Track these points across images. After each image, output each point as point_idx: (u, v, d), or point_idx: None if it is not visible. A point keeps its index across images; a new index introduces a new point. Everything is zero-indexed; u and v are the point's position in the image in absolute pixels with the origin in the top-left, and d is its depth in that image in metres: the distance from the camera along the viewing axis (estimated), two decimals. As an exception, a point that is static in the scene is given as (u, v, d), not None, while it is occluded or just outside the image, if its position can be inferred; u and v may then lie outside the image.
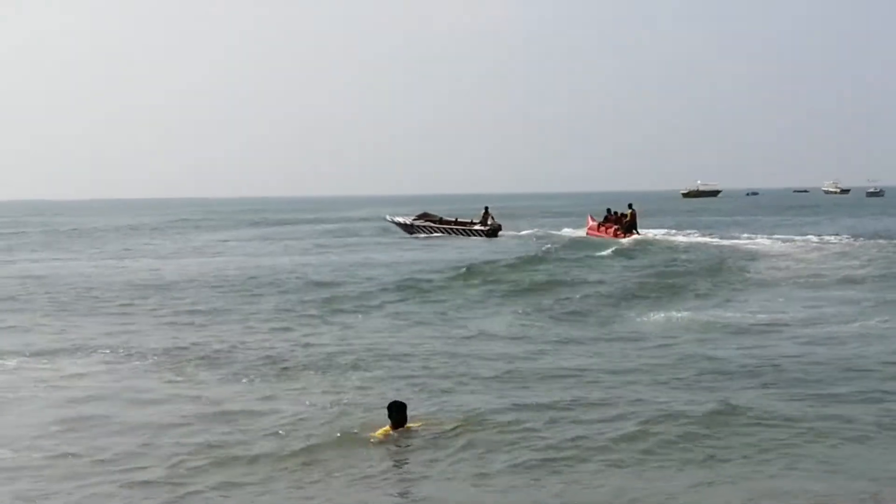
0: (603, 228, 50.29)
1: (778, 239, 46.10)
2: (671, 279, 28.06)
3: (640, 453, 10.28)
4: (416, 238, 53.17)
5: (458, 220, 57.35)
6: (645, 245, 43.49)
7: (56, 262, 40.63)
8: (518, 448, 10.50)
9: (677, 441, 10.63)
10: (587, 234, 51.92)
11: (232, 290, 26.96)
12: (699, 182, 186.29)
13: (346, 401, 12.89)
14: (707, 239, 46.89)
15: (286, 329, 20.03)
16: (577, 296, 24.57)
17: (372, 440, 11.00)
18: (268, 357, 16.44)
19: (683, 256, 36.49)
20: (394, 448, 10.75)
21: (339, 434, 11.25)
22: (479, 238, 52.17)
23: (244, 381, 14.60)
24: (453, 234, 53.97)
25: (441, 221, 57.04)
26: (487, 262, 33.19)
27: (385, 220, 63.11)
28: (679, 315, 20.67)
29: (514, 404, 12.42)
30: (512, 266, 32.52)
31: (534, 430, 11.18)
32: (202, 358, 16.55)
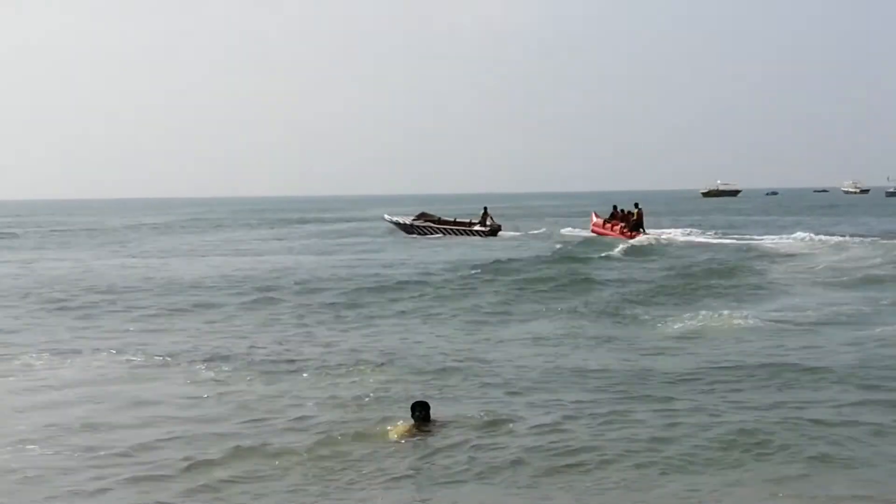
0: (609, 226, 50.22)
1: (797, 238, 45.98)
2: (694, 279, 27.87)
3: (681, 459, 10.07)
4: (420, 238, 52.93)
5: (457, 220, 57.19)
6: (661, 244, 43.43)
7: (76, 261, 40.83)
8: (542, 451, 10.38)
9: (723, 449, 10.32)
10: (592, 231, 51.86)
11: (253, 288, 27.03)
12: (719, 182, 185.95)
13: (367, 399, 12.92)
14: (724, 240, 46.66)
15: (308, 326, 20.15)
16: (605, 294, 24.56)
17: (393, 437, 11.02)
18: (289, 354, 16.54)
19: (703, 256, 36.36)
20: (414, 446, 10.75)
21: (359, 431, 11.27)
22: (480, 238, 52.03)
23: (266, 377, 14.65)
24: (453, 235, 53.81)
25: (440, 221, 56.72)
26: (504, 261, 33.15)
27: (383, 219, 62.69)
28: (711, 315, 20.44)
29: (545, 406, 12.37)
30: (530, 264, 32.48)
31: (565, 432, 11.09)
32: (223, 356, 16.61)
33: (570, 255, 36.91)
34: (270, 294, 25.41)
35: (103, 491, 9.47)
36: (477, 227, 54.24)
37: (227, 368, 15.36)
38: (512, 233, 56.17)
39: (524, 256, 35.96)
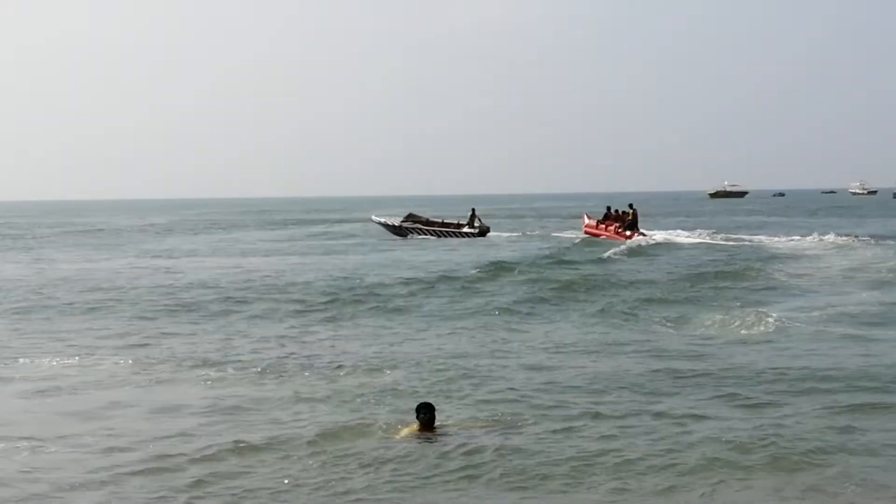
0: (603, 227, 50.22)
1: (806, 239, 45.96)
2: (702, 280, 27.91)
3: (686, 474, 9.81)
4: (409, 239, 52.52)
5: (445, 221, 56.93)
6: (662, 245, 43.48)
7: (93, 261, 40.84)
8: (548, 456, 10.31)
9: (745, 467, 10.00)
10: (585, 232, 51.81)
11: (256, 290, 27.00)
12: (726, 183, 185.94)
13: (373, 401, 12.90)
14: (728, 241, 46.66)
15: (311, 328, 20.17)
16: (611, 295, 24.51)
17: (398, 439, 11.00)
18: (293, 356, 16.57)
19: (707, 257, 36.35)
20: (418, 449, 10.71)
21: (364, 432, 11.28)
22: (469, 239, 51.84)
23: (271, 378, 14.66)
24: (442, 236, 53.55)
25: (428, 223, 56.27)
26: (506, 262, 33.02)
27: (371, 220, 62.14)
28: (725, 317, 20.37)
29: (555, 410, 12.29)
30: (531, 266, 32.50)
31: (573, 437, 11.03)
32: (228, 357, 16.66)
33: (569, 257, 36.92)
34: (274, 295, 25.34)
35: (115, 482, 9.68)
36: (466, 229, 54.08)
37: (233, 370, 15.35)
38: (506, 234, 56.14)
39: (523, 257, 35.94)
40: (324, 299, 24.36)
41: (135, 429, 11.73)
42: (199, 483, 9.64)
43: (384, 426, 11.49)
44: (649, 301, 23.45)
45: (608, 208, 52.71)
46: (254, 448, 10.74)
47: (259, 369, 15.32)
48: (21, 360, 16.32)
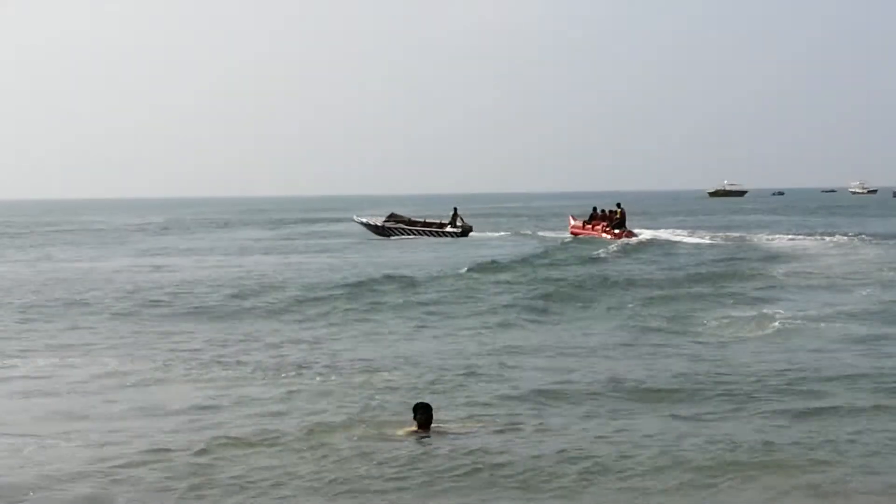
0: (590, 227, 50.24)
1: (804, 238, 45.98)
2: (703, 280, 27.94)
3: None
4: (392, 239, 52.32)
5: (427, 220, 56.91)
6: (662, 244, 43.50)
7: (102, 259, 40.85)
8: (544, 458, 10.20)
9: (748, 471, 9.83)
10: (571, 233, 51.74)
11: (256, 290, 27.03)
12: (726, 182, 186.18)
13: (371, 399, 12.87)
14: (726, 240, 46.69)
15: (309, 327, 20.21)
16: (615, 296, 24.43)
17: (395, 439, 10.96)
18: (291, 356, 16.53)
19: (707, 256, 36.37)
20: (414, 448, 10.68)
21: (362, 430, 11.26)
22: (452, 238, 51.84)
23: (272, 378, 14.61)
24: (425, 235, 53.46)
25: (410, 222, 56.21)
26: (499, 262, 33.01)
27: (353, 220, 61.91)
28: (726, 317, 20.33)
29: (554, 411, 12.22)
30: (524, 264, 32.75)
31: (575, 437, 10.95)
32: (227, 356, 16.68)
33: (560, 256, 36.97)
34: (268, 295, 25.28)
35: (117, 474, 9.81)
36: (448, 228, 54.05)
37: (228, 368, 15.35)
38: (498, 233, 56.07)
39: (513, 257, 36.00)
40: (318, 298, 24.35)
41: (132, 425, 11.78)
42: (197, 474, 9.76)
43: (381, 425, 11.47)
44: (650, 301, 23.40)
45: (594, 208, 52.96)
46: (249, 443, 10.81)
47: (254, 368, 15.30)
48: (17, 360, 16.28)
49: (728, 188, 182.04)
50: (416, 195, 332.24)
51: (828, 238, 46.10)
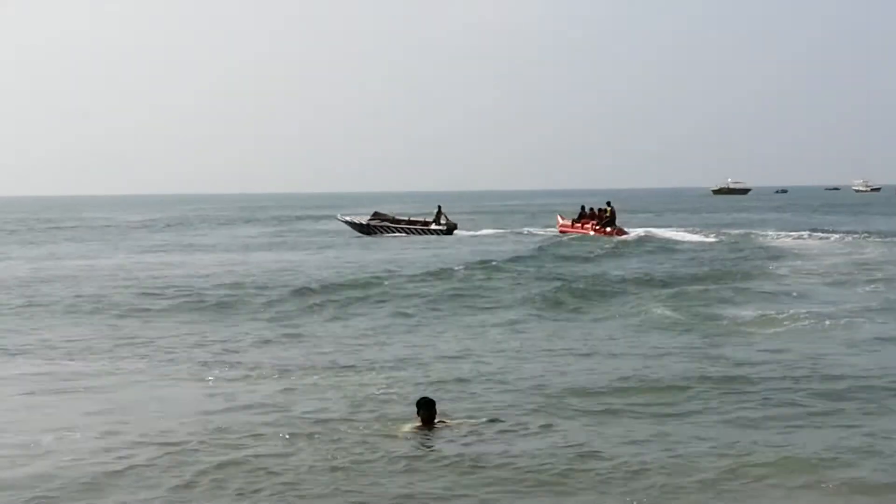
0: (579, 225, 50.19)
1: (805, 236, 45.97)
2: (706, 278, 27.70)
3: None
4: (378, 238, 51.89)
5: (411, 218, 56.69)
6: (664, 242, 43.47)
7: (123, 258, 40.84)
8: (547, 456, 10.13)
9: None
10: (560, 231, 51.65)
11: (259, 285, 27.05)
12: (729, 180, 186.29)
13: (377, 399, 12.82)
14: (727, 238, 46.66)
15: (310, 325, 20.20)
16: (616, 295, 24.26)
17: (400, 435, 10.95)
18: (297, 354, 16.50)
19: (708, 254, 36.36)
20: (419, 444, 10.68)
21: (366, 428, 11.25)
22: (438, 236, 51.61)
23: (276, 376, 14.61)
24: (411, 234, 53.18)
25: (394, 221, 55.93)
26: (492, 261, 32.78)
27: (336, 219, 61.72)
28: (732, 316, 20.19)
29: (561, 412, 12.06)
30: (520, 262, 32.71)
31: (582, 437, 10.85)
32: (234, 354, 16.76)
33: (556, 254, 36.79)
34: (268, 291, 25.18)
35: (137, 466, 9.98)
36: (434, 226, 53.86)
37: (234, 366, 15.35)
38: (474, 231, 55.54)
39: (508, 255, 35.97)
40: (318, 295, 24.33)
41: (140, 420, 11.80)
42: (218, 467, 9.89)
43: (385, 422, 11.48)
44: (654, 298, 23.25)
45: (582, 207, 52.90)
46: (261, 436, 10.95)
47: (255, 365, 15.29)
48: (20, 358, 16.28)
49: (732, 186, 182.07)
50: (415, 192, 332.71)
51: (832, 236, 46.05)
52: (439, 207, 56.76)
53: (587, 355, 16.20)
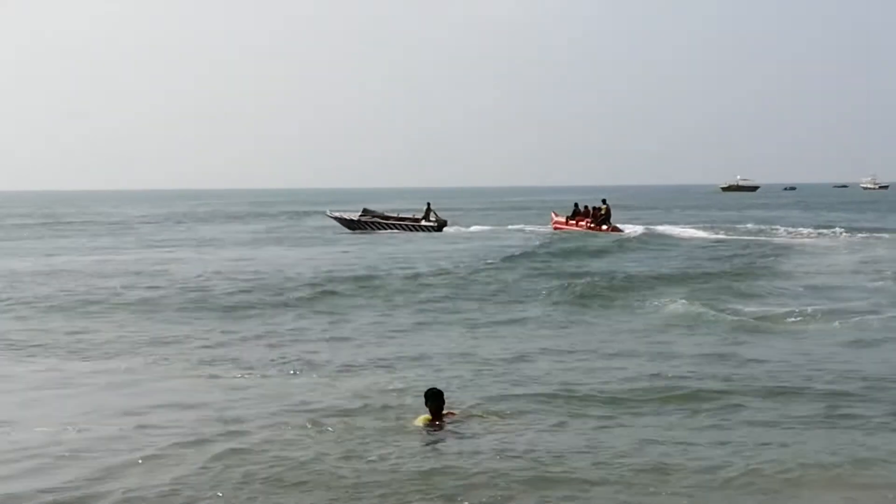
0: (573, 222, 50.06)
1: (815, 234, 45.90)
2: (713, 277, 27.58)
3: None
4: (369, 234, 51.68)
5: (400, 215, 56.51)
6: (670, 239, 43.46)
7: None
8: (557, 454, 10.06)
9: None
10: (554, 228, 51.53)
11: (269, 286, 27.15)
12: (738, 177, 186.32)
13: (387, 394, 12.84)
14: (733, 235, 46.64)
15: (321, 322, 20.29)
16: (628, 292, 24.13)
17: (411, 428, 11.02)
18: (310, 353, 16.47)
19: (717, 252, 36.32)
20: (430, 436, 10.75)
21: (379, 421, 11.34)
22: (428, 233, 51.44)
23: (289, 372, 14.73)
24: (403, 230, 53.00)
25: (384, 217, 55.79)
26: (494, 258, 32.97)
27: (325, 215, 61.46)
28: (754, 311, 20.19)
29: (578, 409, 12.00)
30: (526, 258, 32.67)
31: (587, 436, 10.81)
32: (248, 353, 16.86)
33: (556, 249, 36.63)
34: (278, 289, 25.19)
35: (157, 456, 10.15)
36: (424, 223, 53.75)
37: (246, 364, 15.40)
38: (458, 228, 55.26)
39: (513, 251, 35.90)
40: (326, 292, 24.38)
41: (159, 417, 11.83)
42: (234, 454, 10.07)
43: (396, 415, 11.58)
44: (661, 296, 23.26)
45: (576, 204, 52.80)
46: (277, 426, 11.13)
47: (266, 363, 15.36)
48: (37, 355, 16.32)
49: (741, 183, 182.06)
50: (415, 188, 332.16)
51: (841, 233, 45.98)
52: (428, 204, 56.70)
53: (596, 351, 16.22)
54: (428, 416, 11.20)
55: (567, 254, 35.33)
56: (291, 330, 18.88)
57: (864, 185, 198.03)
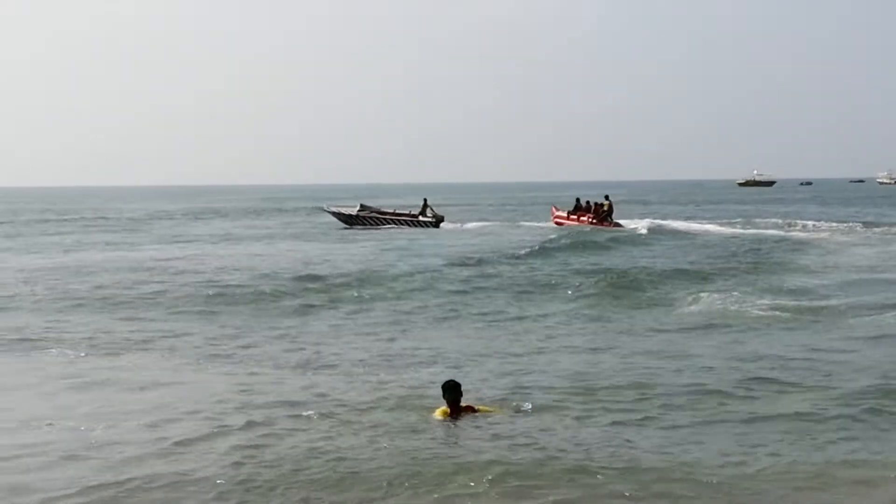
0: (574, 218, 49.85)
1: (832, 228, 45.76)
2: (733, 271, 27.50)
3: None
4: (366, 230, 51.17)
5: (397, 211, 56.29)
6: (682, 234, 43.35)
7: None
8: (573, 450, 9.98)
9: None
10: (554, 223, 51.38)
11: (279, 281, 27.14)
12: (755, 172, 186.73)
13: (405, 389, 12.83)
14: (750, 229, 46.49)
15: (336, 320, 20.37)
16: (642, 289, 24.03)
17: (430, 422, 11.02)
18: (328, 351, 16.39)
19: (738, 247, 36.16)
20: (450, 430, 10.74)
21: (398, 414, 11.34)
22: (424, 228, 51.30)
23: (304, 371, 14.75)
24: (400, 226, 52.79)
25: (381, 213, 55.45)
26: (497, 254, 32.84)
27: (322, 210, 61.15)
28: (778, 303, 20.11)
29: (597, 406, 11.87)
30: (537, 255, 32.49)
31: (609, 434, 10.68)
32: (263, 351, 16.83)
33: (561, 247, 36.22)
34: (292, 285, 24.96)
35: (178, 448, 10.27)
36: (422, 218, 53.62)
37: (264, 359, 15.40)
38: (456, 224, 54.81)
39: (522, 246, 35.85)
40: (338, 287, 24.37)
41: (181, 410, 11.86)
42: (255, 447, 10.12)
43: (414, 407, 11.60)
44: (674, 291, 23.20)
45: (578, 200, 52.74)
46: (297, 418, 11.24)
47: (284, 359, 15.36)
48: (54, 351, 16.28)
49: (757, 178, 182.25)
50: (414, 184, 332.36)
51: (859, 228, 45.82)
52: (425, 200, 56.67)
53: (613, 348, 16.15)
54: (445, 408, 11.19)
55: (578, 248, 35.18)
56: (309, 325, 18.90)
57: (881, 180, 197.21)
